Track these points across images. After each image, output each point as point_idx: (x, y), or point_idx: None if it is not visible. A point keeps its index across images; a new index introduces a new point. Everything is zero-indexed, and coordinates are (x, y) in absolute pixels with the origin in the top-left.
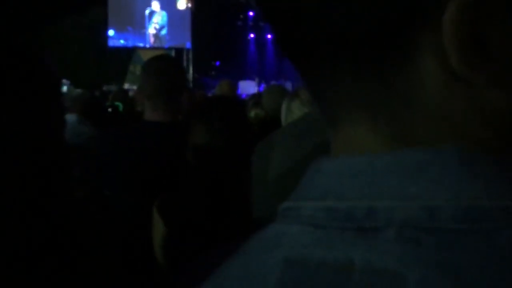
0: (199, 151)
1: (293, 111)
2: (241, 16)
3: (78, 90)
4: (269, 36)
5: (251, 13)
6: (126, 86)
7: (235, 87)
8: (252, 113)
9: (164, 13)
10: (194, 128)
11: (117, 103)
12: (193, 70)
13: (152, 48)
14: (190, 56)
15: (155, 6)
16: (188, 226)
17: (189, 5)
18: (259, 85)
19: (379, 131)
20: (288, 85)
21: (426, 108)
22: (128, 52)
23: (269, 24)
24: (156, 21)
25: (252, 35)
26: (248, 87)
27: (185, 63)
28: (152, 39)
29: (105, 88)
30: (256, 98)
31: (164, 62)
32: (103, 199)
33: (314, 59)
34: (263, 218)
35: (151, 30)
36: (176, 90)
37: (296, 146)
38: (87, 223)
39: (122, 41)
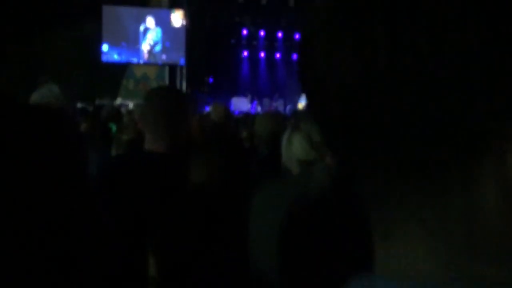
0: (198, 185)
1: (293, 143)
2: (235, 34)
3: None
4: (262, 54)
5: (244, 32)
6: (119, 101)
7: (228, 110)
8: (244, 133)
9: (158, 29)
10: (193, 163)
11: (111, 124)
12: (186, 86)
13: (145, 63)
14: (184, 72)
15: (150, 22)
16: (181, 263)
17: (184, 22)
18: (251, 102)
19: (436, 253)
20: (281, 103)
21: (484, 230)
22: (122, 67)
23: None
24: (151, 37)
25: (245, 53)
26: (241, 104)
27: (178, 79)
28: (146, 55)
29: (97, 102)
30: (247, 120)
31: (168, 93)
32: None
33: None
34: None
35: (145, 46)
36: (179, 122)
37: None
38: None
39: (116, 56)
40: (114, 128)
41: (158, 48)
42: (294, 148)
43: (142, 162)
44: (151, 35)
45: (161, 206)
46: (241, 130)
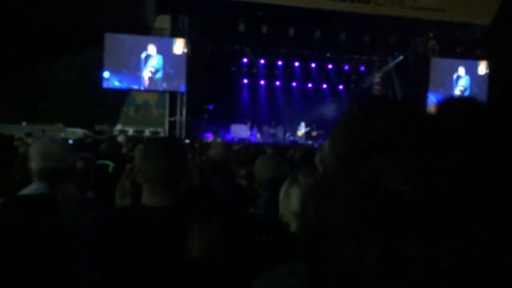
0: (197, 248)
1: (291, 196)
2: (235, 62)
3: (70, 129)
4: (262, 82)
5: (245, 60)
6: (118, 127)
7: (227, 147)
8: (242, 172)
9: (160, 57)
10: (192, 231)
11: (107, 162)
12: (186, 112)
13: (146, 90)
14: (184, 99)
15: (151, 50)
16: None
17: (185, 50)
18: (251, 129)
19: None
20: (280, 130)
21: None
22: (122, 93)
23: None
24: (152, 64)
25: (245, 81)
26: (240, 131)
27: (178, 106)
28: (147, 82)
29: (97, 127)
30: (247, 152)
31: (166, 145)
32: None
33: None
34: None
35: (146, 73)
36: (177, 176)
37: None
38: None
39: (116, 83)
40: (111, 166)
41: (159, 75)
42: (292, 201)
43: (139, 223)
44: (152, 62)
45: (157, 263)
46: (240, 161)
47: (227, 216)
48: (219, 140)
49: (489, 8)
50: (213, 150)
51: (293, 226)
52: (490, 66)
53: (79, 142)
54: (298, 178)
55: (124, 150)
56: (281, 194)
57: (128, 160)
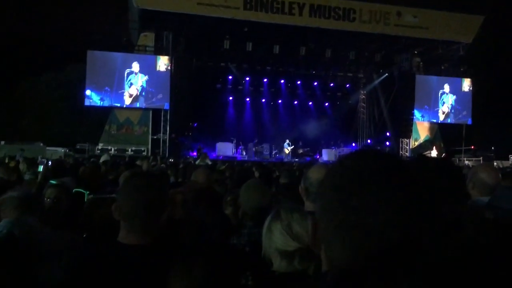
0: None
1: (273, 232)
2: (221, 79)
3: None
4: (247, 99)
5: (230, 77)
6: (100, 145)
7: (210, 173)
8: (228, 198)
9: (143, 74)
10: (173, 268)
11: (82, 190)
12: (170, 130)
13: (129, 108)
14: (168, 117)
15: (135, 67)
16: None
17: (169, 67)
18: (236, 147)
19: None
20: (266, 147)
21: None
22: (104, 111)
23: None
24: (135, 82)
25: (231, 98)
26: (225, 149)
27: (162, 124)
28: (129, 100)
29: (78, 146)
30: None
31: (144, 179)
32: None
33: None
34: None
35: (129, 90)
36: (156, 211)
37: None
38: None
39: (99, 101)
40: (86, 195)
41: (142, 93)
42: (274, 237)
43: (115, 263)
44: (135, 80)
45: None
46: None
47: (209, 256)
48: (208, 160)
49: (471, 27)
50: (195, 175)
51: (276, 263)
52: (473, 83)
53: (57, 164)
54: (281, 214)
55: (102, 169)
56: (264, 230)
57: (109, 185)
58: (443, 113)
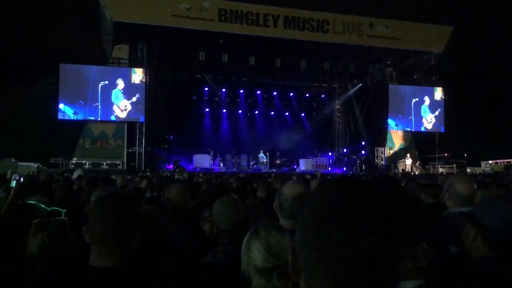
0: None
1: (252, 250)
2: (196, 90)
3: (22, 164)
4: (224, 110)
5: (206, 88)
6: (75, 160)
7: (185, 192)
8: (206, 226)
9: (118, 86)
10: None
11: (58, 208)
12: (145, 143)
13: (103, 121)
14: (143, 129)
15: (109, 80)
16: None
17: (144, 79)
18: (214, 158)
19: None
20: (244, 158)
21: None
22: (78, 125)
23: None
24: (109, 94)
25: (207, 109)
26: (202, 161)
27: (138, 137)
28: (103, 113)
29: (52, 161)
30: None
31: (115, 202)
32: None
33: None
34: None
35: (104, 104)
36: (127, 233)
37: None
38: None
39: (72, 115)
40: (63, 213)
41: (116, 105)
42: (253, 255)
43: (85, 280)
44: (109, 92)
45: None
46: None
47: (182, 279)
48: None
49: (441, 37)
50: (169, 192)
51: (255, 281)
52: (445, 92)
53: (29, 181)
54: (259, 231)
55: (75, 187)
56: (243, 247)
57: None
58: (428, 122)
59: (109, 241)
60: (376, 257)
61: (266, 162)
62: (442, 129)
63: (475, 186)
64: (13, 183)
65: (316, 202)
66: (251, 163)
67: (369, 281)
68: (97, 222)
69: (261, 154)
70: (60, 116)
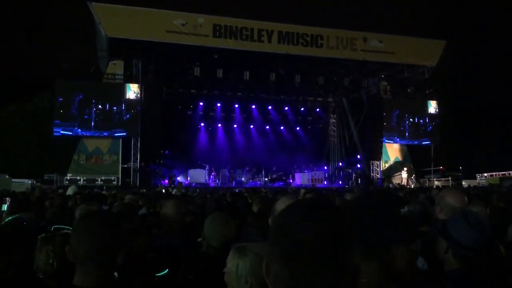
0: None
1: (240, 273)
2: (191, 105)
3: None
4: (219, 125)
5: (201, 103)
6: (69, 176)
7: (180, 206)
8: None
9: (113, 102)
10: None
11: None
12: (140, 158)
13: (98, 137)
14: (138, 145)
15: (104, 95)
16: None
17: (139, 95)
18: (209, 173)
19: None
20: (239, 173)
21: None
22: (73, 141)
23: None
24: (104, 110)
25: (202, 124)
26: (198, 176)
27: (132, 152)
28: (98, 129)
29: (46, 177)
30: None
31: (98, 220)
32: None
33: None
34: None
35: (98, 119)
36: (111, 252)
37: None
38: None
39: (67, 130)
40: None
41: (112, 121)
42: (243, 279)
43: None
44: (104, 108)
45: None
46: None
47: None
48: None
49: (435, 51)
50: (165, 208)
51: None
52: (439, 105)
53: (24, 198)
54: (247, 250)
55: (70, 203)
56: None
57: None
58: (423, 135)
59: (93, 260)
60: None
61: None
62: (437, 142)
63: (466, 198)
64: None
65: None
66: (247, 178)
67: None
68: (80, 242)
69: (246, 170)
70: (55, 132)
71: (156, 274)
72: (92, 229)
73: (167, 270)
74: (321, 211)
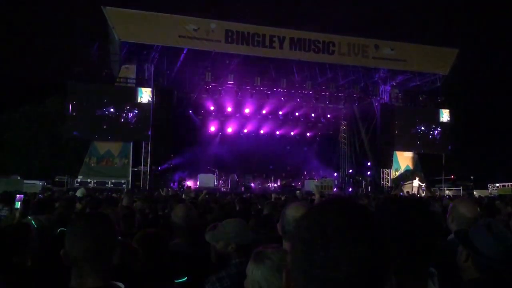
0: None
1: (253, 279)
2: (202, 110)
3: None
4: (229, 130)
5: (212, 108)
6: (80, 178)
7: (190, 211)
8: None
9: (124, 106)
10: None
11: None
12: (150, 162)
13: (109, 140)
14: (149, 148)
15: (116, 99)
16: None
17: (150, 99)
18: (219, 178)
19: None
20: (248, 178)
21: None
22: (84, 143)
23: None
24: (116, 113)
25: (212, 129)
26: (207, 181)
27: (143, 156)
28: (110, 132)
29: (57, 179)
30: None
31: (92, 221)
32: None
33: None
34: None
35: (110, 122)
36: (106, 253)
37: None
38: None
39: (78, 133)
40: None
41: (123, 124)
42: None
43: None
44: (116, 111)
45: None
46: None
47: None
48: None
49: (447, 59)
50: (174, 212)
51: None
52: (451, 113)
53: (40, 201)
54: (264, 255)
55: (78, 206)
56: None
57: None
58: (434, 144)
59: (87, 262)
60: (359, 281)
61: (271, 183)
62: (448, 151)
63: (478, 209)
64: (17, 204)
65: (303, 225)
66: (256, 183)
67: None
68: (75, 243)
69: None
70: (66, 135)
71: (175, 281)
72: (86, 227)
73: (186, 278)
74: (360, 218)
